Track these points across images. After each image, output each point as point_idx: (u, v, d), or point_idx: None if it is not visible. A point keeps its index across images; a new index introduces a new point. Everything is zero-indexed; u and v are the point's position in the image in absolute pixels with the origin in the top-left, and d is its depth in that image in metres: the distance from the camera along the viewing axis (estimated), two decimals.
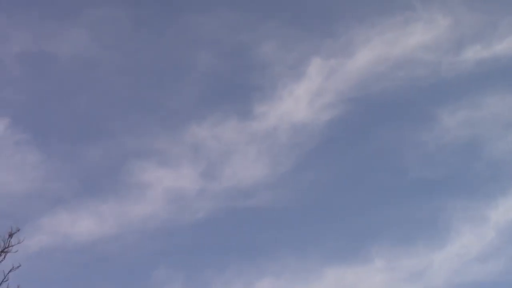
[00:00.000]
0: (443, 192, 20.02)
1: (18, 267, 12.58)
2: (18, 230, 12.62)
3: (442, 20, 21.98)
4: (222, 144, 20.59)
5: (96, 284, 18.68)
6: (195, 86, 21.31)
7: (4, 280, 12.40)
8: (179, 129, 20.63)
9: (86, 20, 21.73)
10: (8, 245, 12.56)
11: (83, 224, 19.25)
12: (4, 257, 12.52)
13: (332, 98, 21.22)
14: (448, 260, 18.92)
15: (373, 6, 22.32)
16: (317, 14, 22.40)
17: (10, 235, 12.62)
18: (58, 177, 19.89)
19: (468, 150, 20.62)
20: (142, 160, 20.15)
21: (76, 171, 20.10)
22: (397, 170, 20.45)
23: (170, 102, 21.09)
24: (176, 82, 21.42)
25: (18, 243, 12.59)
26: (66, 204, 19.51)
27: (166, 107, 21.06)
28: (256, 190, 19.82)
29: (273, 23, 22.16)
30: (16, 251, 12.65)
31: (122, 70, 21.41)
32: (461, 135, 20.76)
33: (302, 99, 21.16)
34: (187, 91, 21.21)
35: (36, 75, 21.02)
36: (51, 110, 20.72)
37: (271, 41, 21.82)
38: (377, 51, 21.75)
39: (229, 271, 18.90)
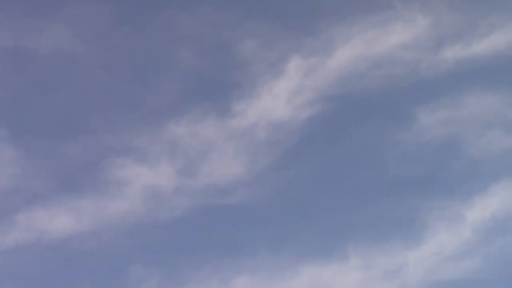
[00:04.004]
0: (421, 190, 20.10)
1: None
2: None
3: (422, 19, 22.08)
4: (200, 141, 20.65)
5: (72, 280, 18.75)
6: (175, 83, 21.34)
7: None
8: (158, 126, 20.66)
9: (67, 16, 21.71)
10: None
11: (59, 220, 19.29)
12: None
13: (311, 96, 21.30)
14: (424, 258, 19.03)
15: (353, 5, 22.40)
16: (298, 12, 22.45)
17: None
18: (35, 173, 19.90)
19: (447, 149, 20.71)
20: (120, 157, 20.18)
21: (53, 168, 20.10)
22: (375, 168, 20.53)
23: (149, 99, 21.12)
24: (156, 79, 21.44)
25: None
26: (42, 201, 19.54)
27: (145, 104, 21.09)
28: (234, 187, 19.90)
29: (254, 20, 22.19)
30: None
31: (102, 66, 21.40)
32: (440, 134, 20.85)
33: (281, 97, 21.24)
34: (166, 88, 21.24)
35: (15, 71, 21.00)
36: (29, 106, 20.68)
37: (252, 38, 21.87)
38: (357, 49, 21.84)
39: (205, 268, 18.98)
